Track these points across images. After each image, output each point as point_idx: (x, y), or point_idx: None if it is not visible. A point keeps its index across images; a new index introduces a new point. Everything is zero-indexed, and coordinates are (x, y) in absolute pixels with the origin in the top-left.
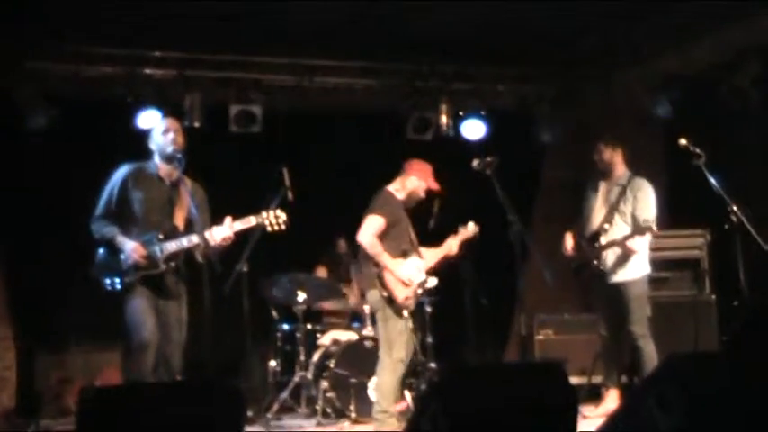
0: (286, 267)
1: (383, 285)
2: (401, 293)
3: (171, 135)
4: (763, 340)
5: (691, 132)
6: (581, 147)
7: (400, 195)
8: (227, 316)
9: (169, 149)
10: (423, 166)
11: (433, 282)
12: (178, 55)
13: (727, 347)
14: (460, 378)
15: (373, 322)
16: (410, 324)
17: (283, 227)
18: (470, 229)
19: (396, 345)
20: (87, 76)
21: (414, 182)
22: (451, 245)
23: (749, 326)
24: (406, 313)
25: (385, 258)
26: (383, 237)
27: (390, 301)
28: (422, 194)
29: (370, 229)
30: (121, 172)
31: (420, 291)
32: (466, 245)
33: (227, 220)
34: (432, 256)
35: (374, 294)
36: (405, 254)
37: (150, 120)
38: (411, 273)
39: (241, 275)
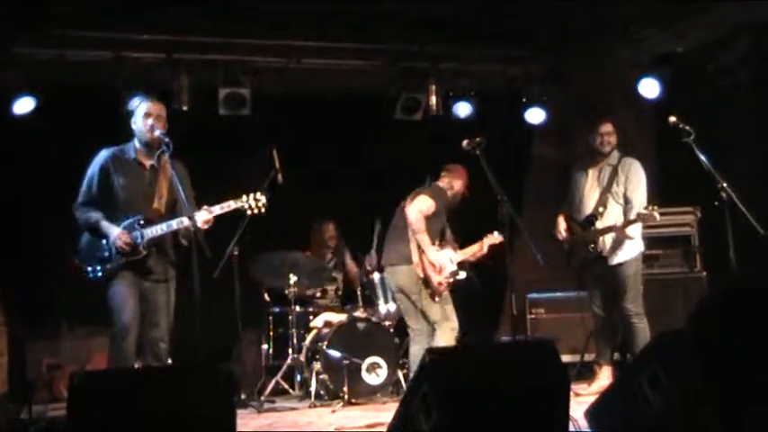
0: (276, 250)
1: (422, 267)
2: (435, 278)
3: (150, 121)
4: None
5: (680, 111)
6: (570, 127)
7: (449, 193)
8: (219, 300)
9: (146, 136)
10: (465, 171)
11: (462, 275)
12: (165, 38)
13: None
14: (450, 359)
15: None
16: (449, 306)
17: (263, 210)
18: (496, 236)
19: (446, 321)
20: (73, 61)
21: (460, 185)
22: (484, 244)
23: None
24: (437, 299)
25: (424, 238)
26: (425, 221)
27: (426, 283)
28: (459, 197)
29: (420, 206)
30: (101, 157)
31: (451, 280)
32: (492, 249)
33: (204, 207)
34: (465, 251)
35: (405, 271)
36: (439, 245)
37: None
38: (443, 260)
39: (232, 259)
